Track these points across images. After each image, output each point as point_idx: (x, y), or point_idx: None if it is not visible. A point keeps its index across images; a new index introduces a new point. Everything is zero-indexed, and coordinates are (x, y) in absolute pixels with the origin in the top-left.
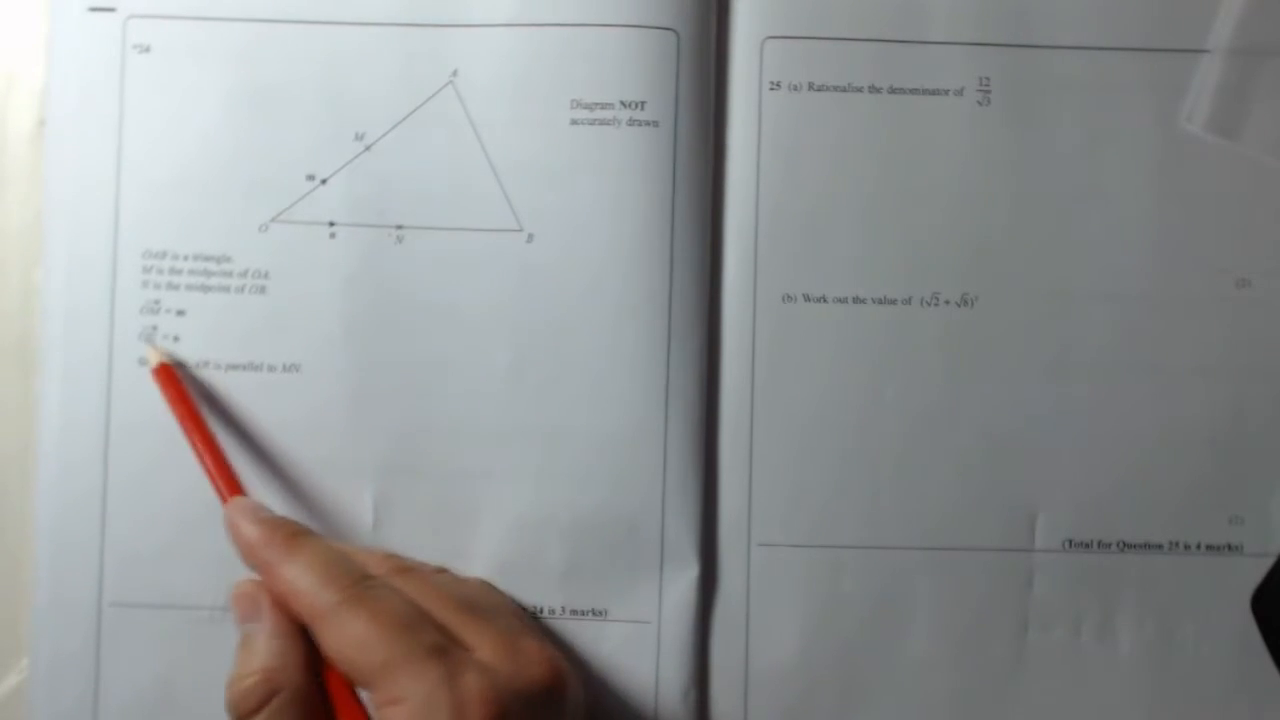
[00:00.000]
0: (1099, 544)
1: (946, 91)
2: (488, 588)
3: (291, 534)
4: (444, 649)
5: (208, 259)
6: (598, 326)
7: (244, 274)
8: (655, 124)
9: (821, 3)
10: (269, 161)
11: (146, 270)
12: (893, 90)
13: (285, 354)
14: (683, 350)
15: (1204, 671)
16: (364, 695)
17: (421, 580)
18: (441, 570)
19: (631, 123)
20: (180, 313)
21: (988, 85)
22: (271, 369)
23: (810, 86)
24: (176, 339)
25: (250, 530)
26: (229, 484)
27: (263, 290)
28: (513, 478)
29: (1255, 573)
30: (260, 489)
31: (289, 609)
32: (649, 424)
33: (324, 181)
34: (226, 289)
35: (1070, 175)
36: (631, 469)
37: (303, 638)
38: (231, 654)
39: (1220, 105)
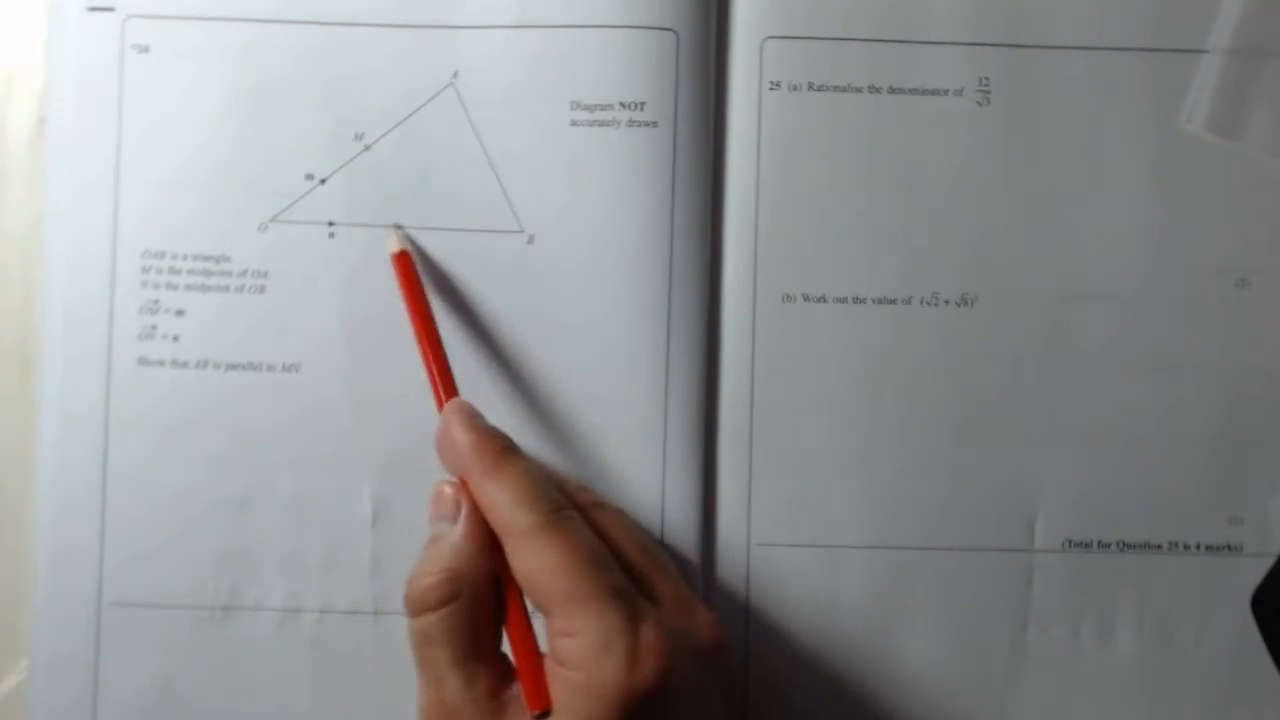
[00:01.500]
0: (1099, 544)
1: (946, 91)
2: (657, 544)
3: (503, 448)
4: (628, 593)
5: (207, 259)
6: (598, 327)
7: (243, 274)
8: (655, 124)
9: (821, 3)
10: (268, 161)
11: (146, 270)
12: (892, 90)
13: (285, 354)
14: (683, 350)
15: (1204, 671)
16: (537, 619)
17: (614, 519)
18: (623, 512)
19: (631, 123)
20: (180, 313)
21: (987, 85)
22: (271, 369)
23: (810, 86)
24: (176, 339)
25: (464, 437)
26: (447, 386)
27: (262, 290)
28: None
29: (1255, 573)
30: (261, 488)
31: (486, 520)
32: (649, 424)
33: (323, 181)
34: (226, 289)
35: (1070, 175)
36: (631, 469)
37: (491, 549)
38: (232, 654)
39: (1220, 105)
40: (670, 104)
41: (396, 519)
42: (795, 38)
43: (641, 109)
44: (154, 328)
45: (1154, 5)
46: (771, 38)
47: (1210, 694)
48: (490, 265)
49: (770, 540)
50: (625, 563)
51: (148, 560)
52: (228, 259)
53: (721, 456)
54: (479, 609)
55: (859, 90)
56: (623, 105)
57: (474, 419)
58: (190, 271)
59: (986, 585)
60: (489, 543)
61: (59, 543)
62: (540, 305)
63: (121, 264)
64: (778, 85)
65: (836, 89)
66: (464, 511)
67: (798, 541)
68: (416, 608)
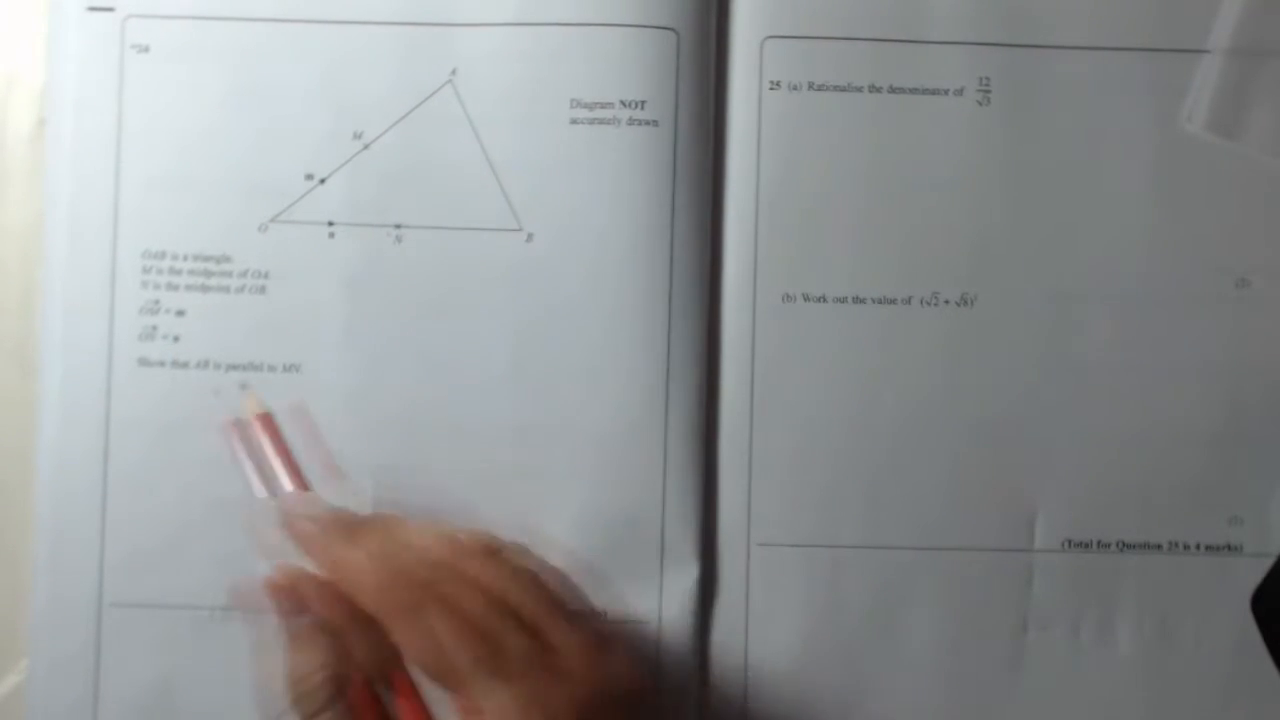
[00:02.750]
0: (1098, 544)
1: (946, 91)
2: (565, 575)
3: (354, 527)
4: (530, 657)
5: (207, 259)
6: (597, 326)
7: (244, 274)
8: (655, 123)
9: (821, 3)
10: (268, 161)
11: (146, 270)
12: (893, 90)
13: (285, 354)
14: (682, 350)
15: (1204, 671)
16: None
17: (511, 568)
18: (524, 549)
19: (631, 122)
20: (180, 313)
21: (988, 85)
22: (271, 369)
23: (810, 86)
24: (176, 339)
25: (309, 526)
26: (289, 474)
27: (263, 290)
28: (513, 477)
29: (1255, 573)
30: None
31: (359, 604)
32: (649, 423)
33: (323, 181)
34: (226, 289)
35: (1070, 175)
36: (631, 468)
37: (366, 632)
38: (233, 653)
39: (1220, 105)
40: (670, 103)
41: None
42: (795, 37)
43: (642, 108)
44: (154, 328)
45: (1154, 5)
46: (772, 37)
47: (1210, 694)
48: (489, 264)
49: (770, 540)
50: (526, 615)
51: (148, 560)
52: (228, 259)
53: (721, 456)
54: (372, 696)
55: (859, 90)
56: (623, 104)
57: (312, 506)
58: (190, 272)
59: (986, 585)
60: (358, 624)
61: (59, 543)
62: (539, 304)
63: (121, 264)
64: (778, 85)
65: (836, 89)
66: (314, 600)
67: (798, 541)
68: (308, 710)
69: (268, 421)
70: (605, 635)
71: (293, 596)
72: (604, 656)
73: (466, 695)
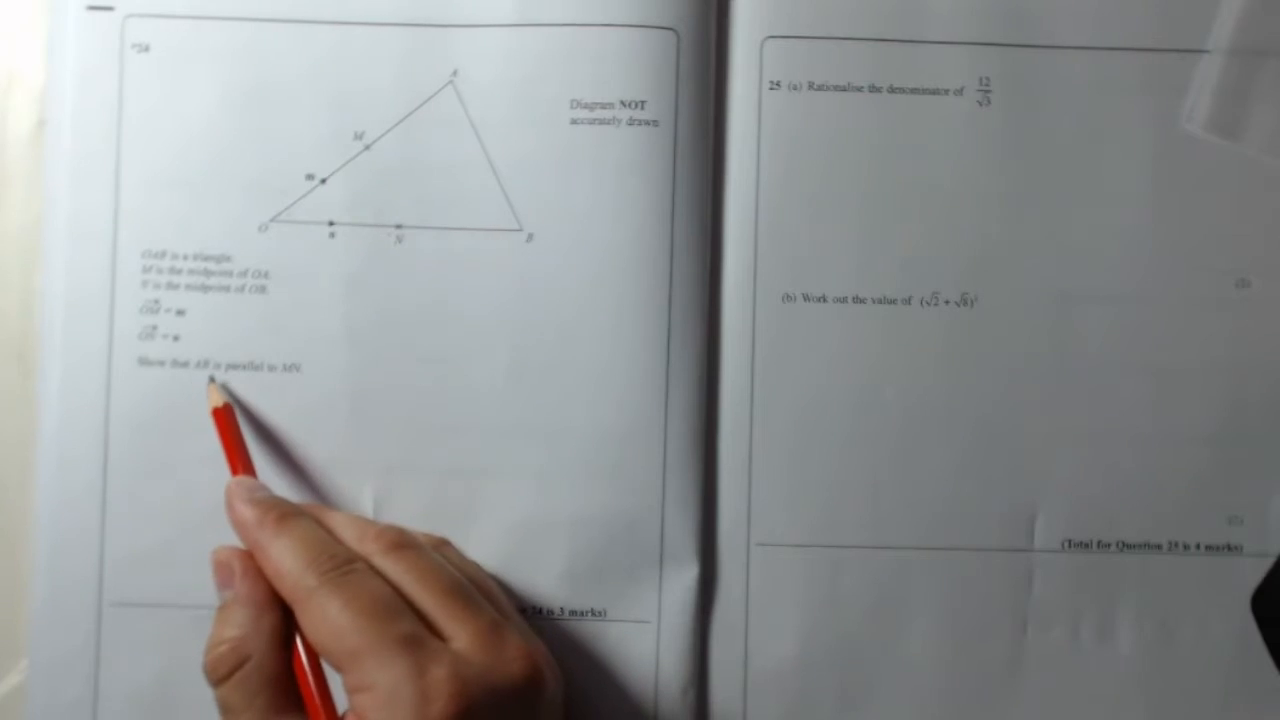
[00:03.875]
0: (1098, 544)
1: (946, 91)
2: (482, 573)
3: (281, 515)
4: (416, 639)
5: (207, 259)
6: (597, 326)
7: (244, 274)
8: (655, 123)
9: (821, 3)
10: (268, 161)
11: (146, 270)
12: (892, 90)
13: (285, 354)
14: (683, 350)
15: (1204, 671)
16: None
17: (413, 560)
18: (444, 543)
19: (631, 122)
20: (180, 312)
21: (988, 85)
22: (271, 369)
23: (810, 86)
24: (176, 339)
25: (244, 511)
26: (237, 464)
27: (263, 290)
28: (513, 477)
29: (1255, 573)
30: None
31: (267, 582)
32: (649, 424)
33: (324, 181)
34: (226, 289)
35: (1070, 176)
36: (631, 469)
37: (277, 611)
38: None
39: (1220, 105)
40: (670, 103)
41: (396, 519)
42: (795, 37)
43: (642, 108)
44: (154, 328)
45: (1154, 5)
46: (772, 37)
47: (1210, 694)
48: (489, 264)
49: (770, 540)
50: (421, 605)
51: (148, 560)
52: (228, 259)
53: (721, 456)
54: (273, 673)
55: (859, 90)
56: (623, 104)
57: (253, 491)
58: (191, 271)
59: (985, 585)
60: (274, 605)
61: (59, 543)
62: (539, 304)
63: (121, 264)
64: (778, 85)
65: (836, 89)
66: (238, 576)
67: (798, 541)
68: (213, 678)
69: (225, 413)
70: (498, 624)
71: (225, 572)
72: (494, 641)
73: (355, 674)
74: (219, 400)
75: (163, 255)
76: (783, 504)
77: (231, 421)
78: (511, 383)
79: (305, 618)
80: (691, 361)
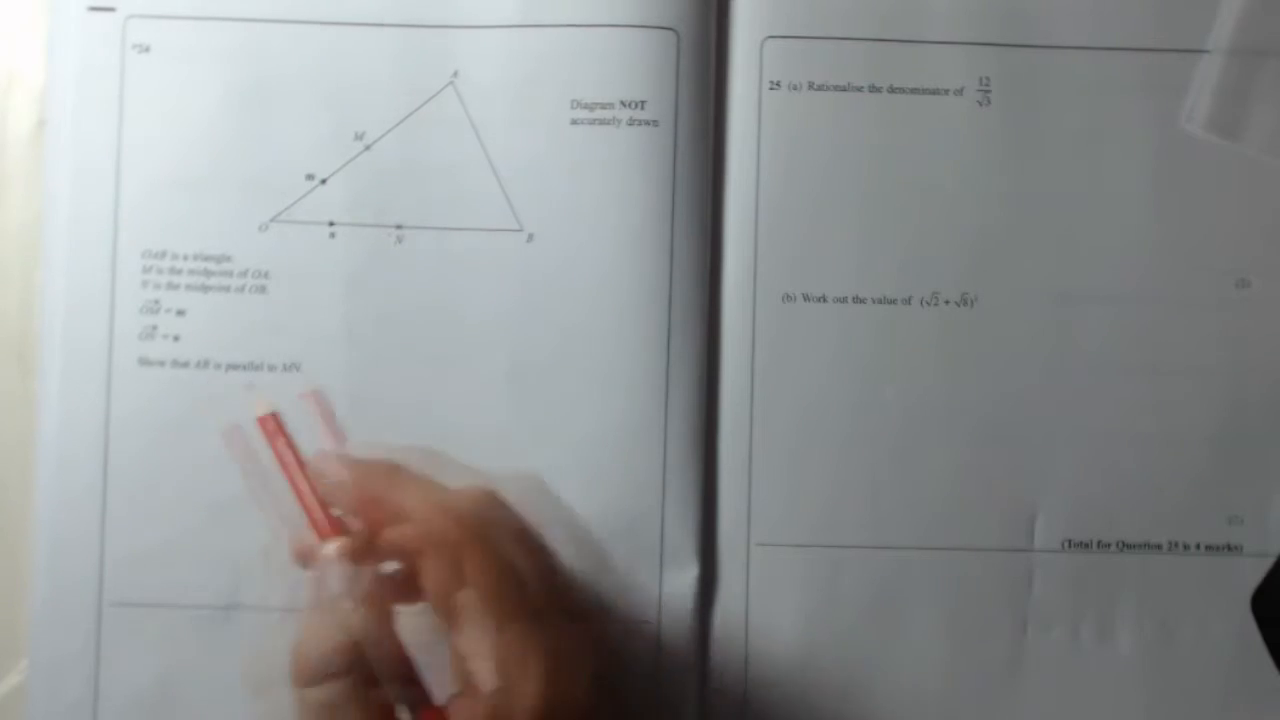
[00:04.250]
0: (1098, 544)
1: (946, 91)
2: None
3: (395, 466)
4: (553, 607)
5: (208, 259)
6: (598, 326)
7: (244, 274)
8: (655, 124)
9: (821, 3)
10: (269, 161)
11: (146, 270)
12: (892, 90)
13: (285, 354)
14: (683, 350)
15: (1204, 671)
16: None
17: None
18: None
19: (631, 122)
20: (180, 312)
21: (988, 85)
22: (271, 369)
23: (810, 86)
24: (176, 339)
25: (343, 472)
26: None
27: (263, 290)
28: (512, 477)
29: (1255, 573)
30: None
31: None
32: (649, 424)
33: (324, 181)
34: (226, 289)
35: (1070, 175)
36: (631, 469)
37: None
38: (233, 653)
39: (1220, 105)
40: (670, 103)
41: None
42: (795, 37)
43: (642, 108)
44: (154, 328)
45: (1154, 5)
46: (772, 37)
47: (1210, 694)
48: (490, 264)
49: (770, 540)
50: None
51: (148, 560)
52: (228, 259)
53: (721, 456)
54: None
55: (859, 90)
56: (623, 104)
57: (343, 459)
58: (191, 271)
59: (985, 585)
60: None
61: (59, 543)
62: (539, 304)
63: (122, 264)
64: (778, 85)
65: (836, 89)
66: (355, 577)
67: (798, 541)
68: (308, 676)
69: (274, 421)
70: (605, 598)
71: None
72: (610, 614)
73: (504, 638)
74: (267, 407)
75: (163, 255)
76: (783, 504)
77: (281, 428)
78: (512, 383)
79: (442, 569)
80: (691, 361)
